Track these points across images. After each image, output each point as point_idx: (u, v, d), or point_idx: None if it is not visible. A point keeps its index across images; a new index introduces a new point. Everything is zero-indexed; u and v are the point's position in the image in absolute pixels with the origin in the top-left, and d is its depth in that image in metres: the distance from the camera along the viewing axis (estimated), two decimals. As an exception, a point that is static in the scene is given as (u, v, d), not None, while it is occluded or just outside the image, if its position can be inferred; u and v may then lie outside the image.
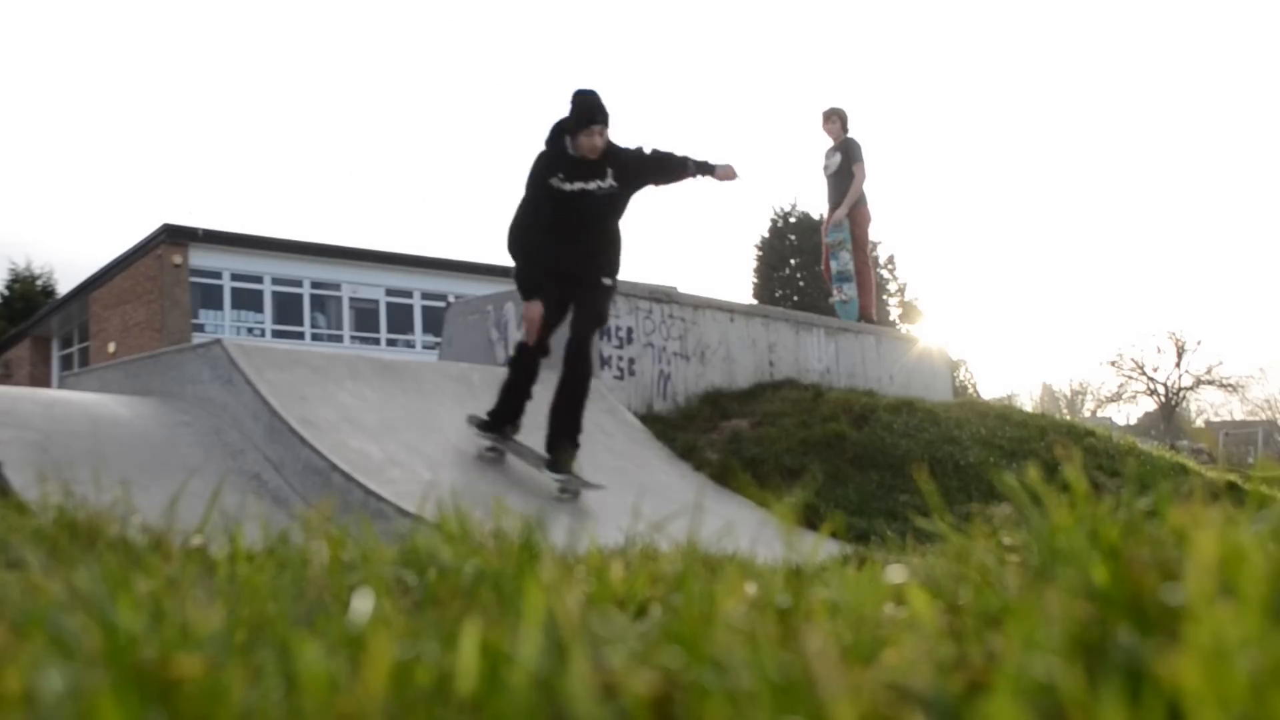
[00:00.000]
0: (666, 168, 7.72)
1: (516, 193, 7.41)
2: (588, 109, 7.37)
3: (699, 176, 7.88)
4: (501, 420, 7.80)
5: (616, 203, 7.63)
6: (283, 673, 0.92)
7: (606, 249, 7.68)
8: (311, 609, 1.27)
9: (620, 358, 10.77)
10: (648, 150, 7.73)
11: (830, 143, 13.99)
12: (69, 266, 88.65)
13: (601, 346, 10.59)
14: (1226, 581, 0.85)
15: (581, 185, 7.45)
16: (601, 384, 10.35)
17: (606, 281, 7.66)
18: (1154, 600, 0.97)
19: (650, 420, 10.30)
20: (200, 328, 33.77)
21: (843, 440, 9.84)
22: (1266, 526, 1.19)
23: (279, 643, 1.02)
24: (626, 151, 7.62)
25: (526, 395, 7.76)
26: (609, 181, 7.50)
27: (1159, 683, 0.72)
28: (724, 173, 7.92)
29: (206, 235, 34.36)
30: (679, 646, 0.96)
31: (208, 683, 0.89)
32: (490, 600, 1.30)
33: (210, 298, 35.36)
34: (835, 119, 13.93)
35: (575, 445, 7.57)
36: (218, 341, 8.08)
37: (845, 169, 13.77)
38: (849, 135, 13.93)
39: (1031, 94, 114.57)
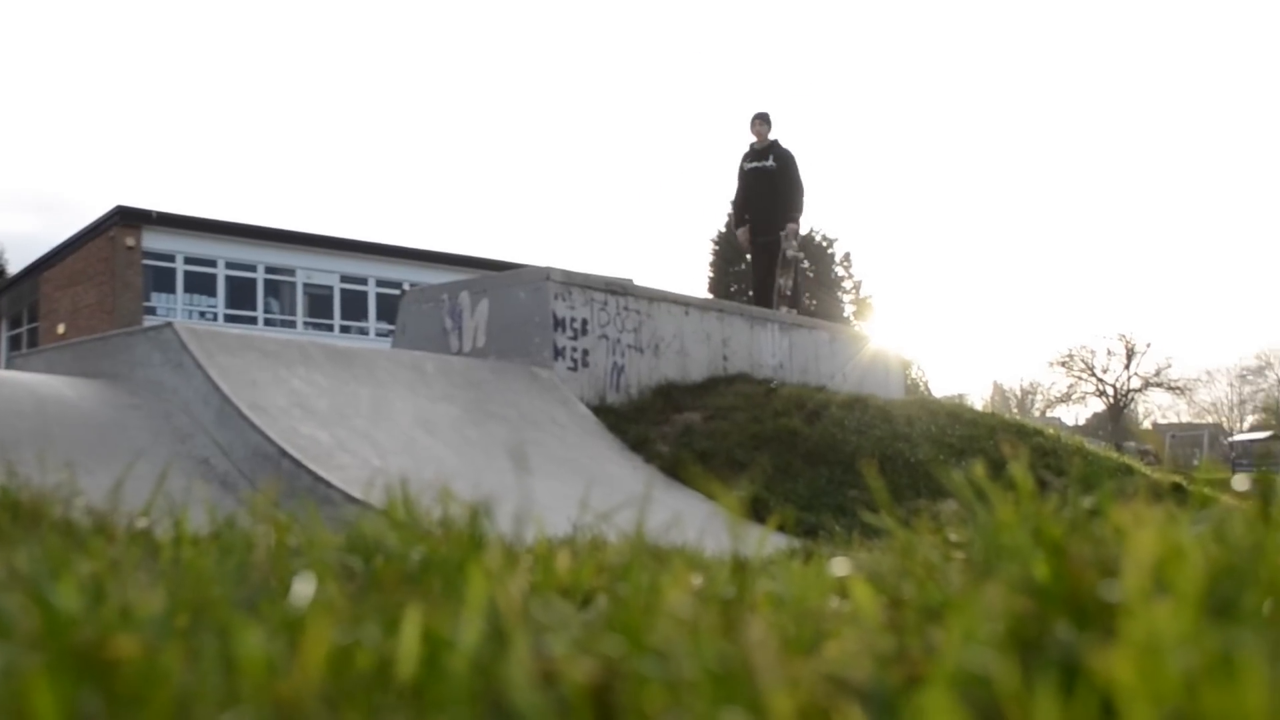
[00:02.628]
0: None
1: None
2: None
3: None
4: None
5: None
6: (222, 655, 0.92)
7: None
8: (255, 593, 1.26)
9: (574, 349, 10.76)
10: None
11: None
12: (20, 246, 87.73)
13: (555, 337, 10.59)
14: (1163, 579, 0.86)
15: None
16: (555, 375, 10.35)
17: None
18: (1093, 597, 0.98)
19: (603, 412, 10.30)
20: (152, 311, 33.51)
21: (794, 435, 9.87)
22: (1206, 526, 1.20)
23: (219, 626, 1.01)
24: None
25: None
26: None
27: (1094, 677, 0.73)
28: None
29: (160, 218, 34.08)
30: (620, 635, 0.96)
31: (145, 664, 0.89)
32: (436, 587, 1.29)
33: (163, 281, 35.08)
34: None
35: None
36: (168, 325, 8.01)
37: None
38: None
39: (986, 97, 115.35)
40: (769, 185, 14.16)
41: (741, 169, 14.41)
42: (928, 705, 0.70)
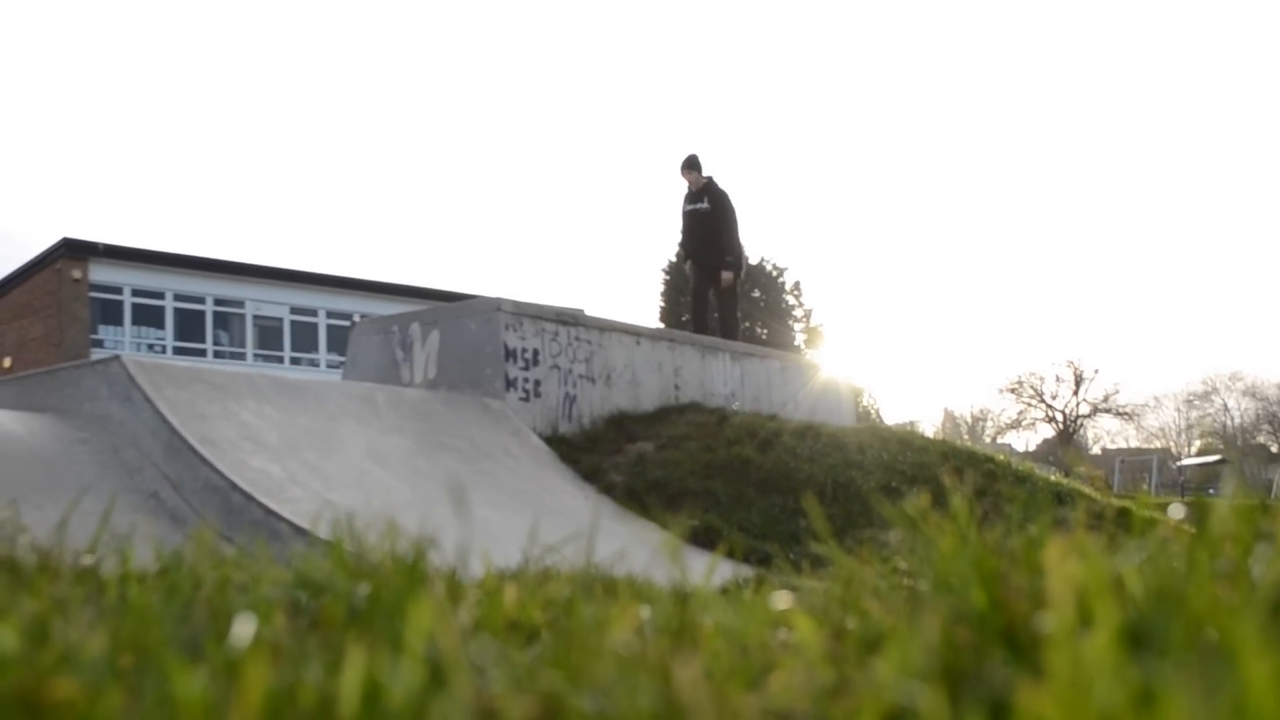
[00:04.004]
0: None
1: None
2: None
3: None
4: None
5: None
6: (162, 697, 0.91)
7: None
8: (199, 633, 1.25)
9: (526, 379, 10.75)
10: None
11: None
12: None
13: (507, 368, 10.58)
14: (1088, 611, 0.88)
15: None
16: (506, 406, 10.33)
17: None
18: (1027, 628, 1.00)
19: (555, 442, 10.29)
20: (100, 344, 33.23)
21: (747, 464, 9.88)
22: (1141, 553, 1.22)
23: (161, 667, 1.01)
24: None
25: None
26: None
27: (1022, 710, 0.74)
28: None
29: (107, 250, 33.84)
30: (560, 672, 0.96)
31: (83, 705, 0.88)
32: (382, 624, 1.29)
33: (110, 313, 34.79)
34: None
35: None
36: (116, 358, 7.94)
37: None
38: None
39: (933, 126, 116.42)
40: (706, 227, 14.27)
41: (683, 210, 14.51)
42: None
